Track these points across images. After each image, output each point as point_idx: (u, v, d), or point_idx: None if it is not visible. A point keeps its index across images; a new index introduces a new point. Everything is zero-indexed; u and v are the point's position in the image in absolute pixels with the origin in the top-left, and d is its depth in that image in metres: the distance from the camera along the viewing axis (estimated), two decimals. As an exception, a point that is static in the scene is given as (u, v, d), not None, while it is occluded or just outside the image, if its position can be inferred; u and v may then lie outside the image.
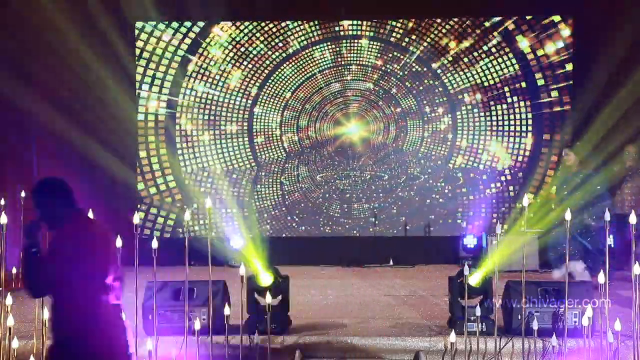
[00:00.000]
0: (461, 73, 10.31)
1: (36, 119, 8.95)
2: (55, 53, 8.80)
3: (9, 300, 4.98)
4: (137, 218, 4.97)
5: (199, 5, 10.11)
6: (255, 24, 10.35)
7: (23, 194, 7.29)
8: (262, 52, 10.37)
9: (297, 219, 10.48)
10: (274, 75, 10.40)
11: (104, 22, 9.54)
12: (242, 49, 10.37)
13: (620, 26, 9.37)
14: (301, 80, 10.40)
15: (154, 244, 4.94)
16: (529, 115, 10.27)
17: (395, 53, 10.34)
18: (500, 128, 10.31)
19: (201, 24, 10.33)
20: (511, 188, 10.32)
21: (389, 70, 10.36)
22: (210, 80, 10.39)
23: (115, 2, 9.79)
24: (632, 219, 4.98)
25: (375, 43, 10.35)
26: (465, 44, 10.28)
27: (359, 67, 10.39)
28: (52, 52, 8.76)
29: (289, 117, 10.44)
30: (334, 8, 10.19)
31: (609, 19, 9.66)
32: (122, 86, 9.95)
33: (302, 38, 10.37)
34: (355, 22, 10.34)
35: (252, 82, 10.40)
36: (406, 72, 10.36)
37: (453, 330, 5.35)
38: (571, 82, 10.18)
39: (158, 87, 10.36)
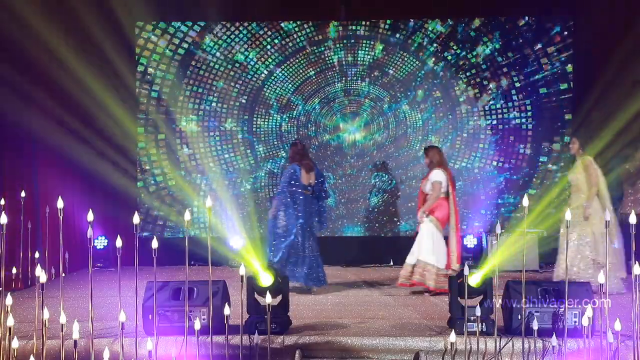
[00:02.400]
0: (462, 74, 10.31)
1: (36, 118, 8.94)
2: (54, 53, 8.80)
3: (9, 300, 4.98)
4: (137, 218, 4.97)
5: (199, 6, 10.12)
6: (254, 24, 10.35)
7: (23, 194, 7.30)
8: (262, 53, 10.37)
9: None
10: (274, 75, 10.40)
11: (104, 21, 9.54)
12: (242, 49, 10.36)
13: (620, 27, 9.40)
14: (301, 81, 10.40)
15: (154, 244, 4.94)
16: (529, 114, 10.27)
17: (395, 53, 10.34)
18: (500, 127, 10.32)
19: (202, 24, 10.33)
20: (511, 187, 10.33)
21: (389, 70, 10.35)
22: (210, 80, 10.39)
23: (116, 2, 9.80)
24: (632, 219, 4.98)
25: (374, 43, 10.35)
26: (466, 44, 10.28)
27: (359, 67, 10.38)
28: (51, 52, 8.76)
29: (289, 117, 10.43)
30: (334, 8, 10.20)
31: (609, 20, 9.67)
32: (122, 86, 9.95)
33: (302, 38, 10.37)
34: (354, 23, 10.33)
35: (253, 82, 10.40)
36: (406, 73, 10.35)
37: (453, 330, 5.35)
38: (571, 82, 10.19)
39: (158, 87, 10.36)
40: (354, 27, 10.35)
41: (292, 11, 10.31)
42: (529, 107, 10.27)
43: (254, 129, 10.43)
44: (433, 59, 10.32)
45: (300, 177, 7.95)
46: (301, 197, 7.94)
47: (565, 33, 10.17)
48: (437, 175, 7.81)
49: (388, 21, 10.30)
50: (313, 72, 10.38)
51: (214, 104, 10.41)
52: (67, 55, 8.98)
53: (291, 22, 10.35)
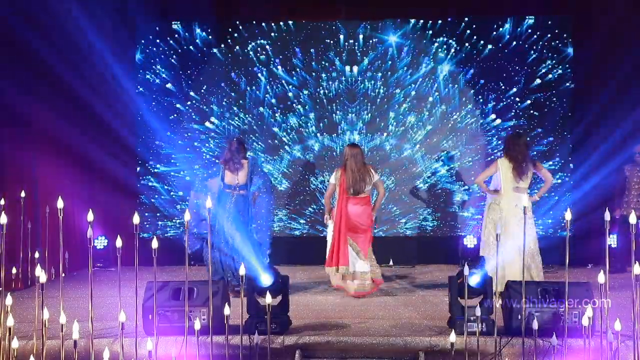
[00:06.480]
0: (462, 74, 10.30)
1: (36, 118, 8.95)
2: (54, 52, 8.80)
3: (9, 300, 4.99)
4: (137, 218, 4.98)
5: (199, 6, 10.12)
6: (254, 24, 10.33)
7: (23, 194, 7.30)
8: (262, 53, 10.35)
9: (297, 219, 10.47)
10: (275, 75, 10.39)
11: (105, 20, 9.55)
12: (242, 50, 10.35)
13: (620, 27, 9.42)
14: (302, 81, 10.39)
15: (154, 244, 4.94)
16: (529, 115, 10.26)
17: (395, 53, 10.33)
18: (500, 126, 10.31)
19: (201, 24, 10.32)
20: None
21: (389, 70, 10.34)
22: (210, 80, 10.38)
23: (117, 1, 9.81)
24: (632, 219, 4.99)
25: (375, 44, 10.34)
26: (466, 45, 10.26)
27: (359, 67, 10.36)
28: (51, 51, 8.76)
29: (290, 117, 10.42)
30: (334, 8, 10.20)
31: (609, 21, 9.69)
32: (123, 85, 9.95)
33: (302, 38, 10.36)
34: (354, 23, 10.33)
35: (253, 82, 10.39)
36: (406, 73, 10.34)
37: (453, 330, 5.36)
38: (572, 83, 10.19)
39: (158, 87, 10.36)
40: (354, 27, 10.33)
41: (292, 11, 10.30)
42: (530, 108, 10.25)
43: (255, 129, 10.41)
44: (433, 59, 10.30)
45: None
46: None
47: (567, 34, 10.17)
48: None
49: (388, 21, 10.29)
50: (314, 72, 10.36)
51: (214, 103, 10.39)
52: (70, 53, 9.00)
53: (291, 22, 10.33)
